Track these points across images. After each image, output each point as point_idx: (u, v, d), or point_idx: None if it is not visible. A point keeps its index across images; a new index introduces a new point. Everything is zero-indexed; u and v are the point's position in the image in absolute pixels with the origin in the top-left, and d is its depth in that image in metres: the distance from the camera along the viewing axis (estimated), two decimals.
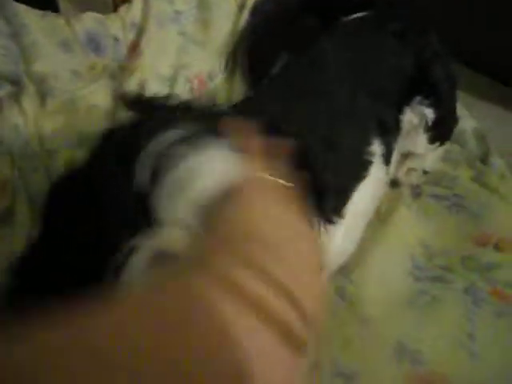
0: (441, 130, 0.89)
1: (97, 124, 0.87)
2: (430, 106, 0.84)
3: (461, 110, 0.98)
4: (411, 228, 0.86)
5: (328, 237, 0.69)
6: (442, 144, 0.92)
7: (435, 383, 0.65)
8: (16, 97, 0.86)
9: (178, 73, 1.00)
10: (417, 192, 0.93)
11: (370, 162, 0.76)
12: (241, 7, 1.07)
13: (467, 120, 1.04)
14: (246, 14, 1.06)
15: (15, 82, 0.94)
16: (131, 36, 1.02)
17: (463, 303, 0.72)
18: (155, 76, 0.97)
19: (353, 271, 0.79)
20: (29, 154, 0.78)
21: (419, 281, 0.76)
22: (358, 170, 0.76)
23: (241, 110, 0.73)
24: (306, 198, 0.63)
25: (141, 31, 1.01)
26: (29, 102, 0.84)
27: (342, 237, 0.73)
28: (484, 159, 0.98)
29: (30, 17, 1.00)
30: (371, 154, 0.77)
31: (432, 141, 0.89)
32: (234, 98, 1.01)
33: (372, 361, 0.68)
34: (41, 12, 1.03)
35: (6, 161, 0.78)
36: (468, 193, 0.90)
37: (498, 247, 0.79)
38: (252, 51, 1.06)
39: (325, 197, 0.68)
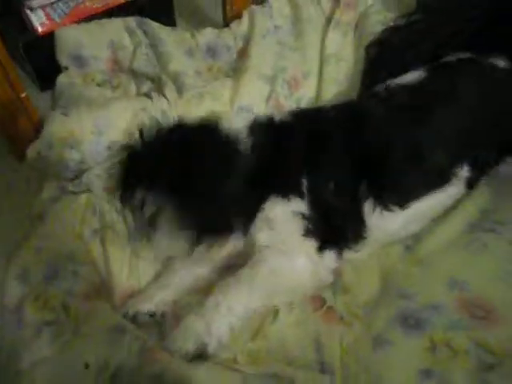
0: None
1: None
2: None
3: None
4: (472, 199, 1.01)
5: (384, 219, 0.91)
6: None
7: (480, 304, 0.82)
8: (158, 88, 1.16)
9: (278, 75, 1.25)
10: None
11: (450, 180, 0.95)
12: (328, 20, 1.31)
13: None
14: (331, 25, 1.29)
15: (154, 80, 1.24)
16: (240, 44, 1.29)
17: (507, 250, 0.89)
18: (259, 75, 1.23)
19: (419, 234, 0.98)
20: None
21: (473, 231, 0.93)
22: (435, 182, 0.94)
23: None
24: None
25: (248, 40, 1.28)
26: (170, 93, 1.13)
27: (400, 223, 0.94)
28: None
29: (163, 31, 1.30)
30: (455, 175, 0.95)
31: None
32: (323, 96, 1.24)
33: (428, 288, 0.86)
34: (170, 28, 1.34)
35: None
36: None
37: None
38: (377, 62, 1.20)
39: (385, 193, 0.90)
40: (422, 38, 1.10)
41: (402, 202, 0.93)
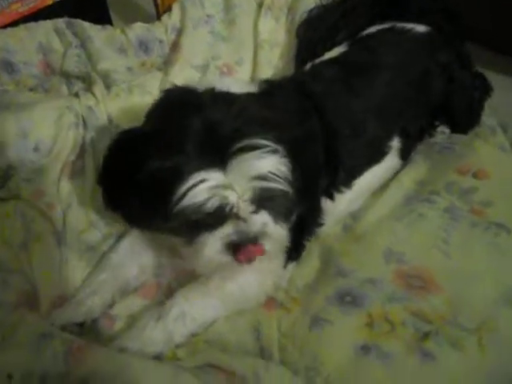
0: None
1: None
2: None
3: None
4: (408, 173, 1.01)
5: (333, 202, 0.89)
6: None
7: (417, 274, 0.81)
8: (88, 87, 1.13)
9: (210, 62, 1.23)
10: None
11: (385, 153, 0.95)
12: (259, 6, 1.30)
13: None
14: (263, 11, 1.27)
15: (85, 80, 1.21)
16: (172, 37, 1.26)
17: (443, 219, 0.88)
18: (190, 66, 1.20)
19: (358, 212, 0.97)
20: (99, 126, 1.04)
21: (409, 204, 0.92)
22: (373, 156, 0.94)
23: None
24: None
25: (179, 32, 1.26)
26: (98, 90, 1.10)
27: (346, 203, 0.93)
28: None
29: (93, 30, 1.27)
30: (389, 147, 0.95)
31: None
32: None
33: (366, 263, 0.85)
34: (100, 26, 1.31)
35: (81, 132, 1.04)
36: (458, 138, 1.06)
37: (475, 175, 0.94)
38: (305, 40, 1.19)
39: (338, 175, 0.88)
40: (348, 14, 1.09)
41: (349, 180, 0.92)
